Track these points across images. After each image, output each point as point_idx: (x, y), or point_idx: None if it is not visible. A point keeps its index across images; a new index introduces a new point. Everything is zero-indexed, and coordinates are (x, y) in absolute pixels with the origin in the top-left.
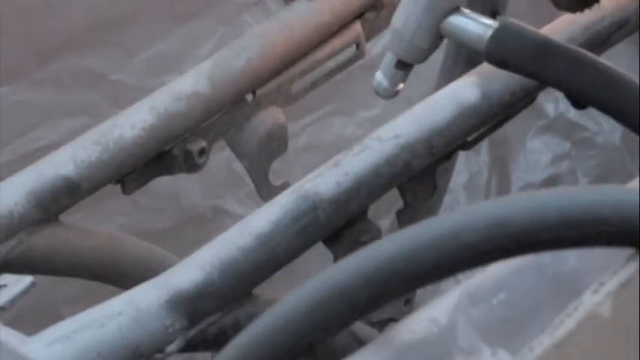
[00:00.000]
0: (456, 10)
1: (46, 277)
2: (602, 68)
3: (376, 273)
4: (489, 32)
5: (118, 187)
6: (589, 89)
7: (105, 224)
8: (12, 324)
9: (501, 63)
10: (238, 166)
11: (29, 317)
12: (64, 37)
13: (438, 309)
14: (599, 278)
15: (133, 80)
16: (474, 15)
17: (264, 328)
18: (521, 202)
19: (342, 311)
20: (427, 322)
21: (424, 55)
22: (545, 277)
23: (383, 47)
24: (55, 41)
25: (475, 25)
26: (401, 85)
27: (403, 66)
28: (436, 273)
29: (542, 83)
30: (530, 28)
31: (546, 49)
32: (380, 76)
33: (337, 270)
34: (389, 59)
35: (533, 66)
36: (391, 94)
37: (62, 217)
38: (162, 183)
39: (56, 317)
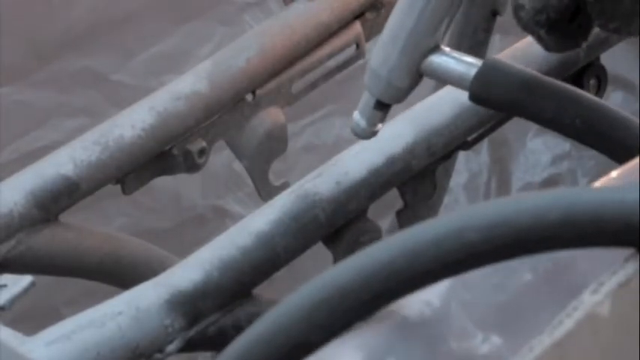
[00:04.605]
0: (435, 48)
1: (46, 278)
2: (589, 104)
3: (378, 272)
4: (472, 71)
5: (118, 187)
6: (577, 126)
7: (105, 224)
8: (12, 325)
9: (487, 102)
10: (238, 167)
11: (29, 318)
12: (64, 38)
13: (432, 291)
14: (598, 278)
15: (133, 80)
16: (455, 53)
17: (266, 329)
18: (522, 202)
19: (344, 312)
20: (420, 304)
21: (403, 95)
22: (541, 272)
23: None
24: (55, 42)
25: (457, 64)
26: (380, 126)
27: (381, 106)
28: (438, 272)
29: (532, 121)
30: (515, 65)
31: (532, 86)
32: (357, 117)
33: (339, 270)
34: (366, 99)
35: (520, 105)
36: (369, 135)
37: (62, 217)
38: (162, 183)
39: (57, 318)
